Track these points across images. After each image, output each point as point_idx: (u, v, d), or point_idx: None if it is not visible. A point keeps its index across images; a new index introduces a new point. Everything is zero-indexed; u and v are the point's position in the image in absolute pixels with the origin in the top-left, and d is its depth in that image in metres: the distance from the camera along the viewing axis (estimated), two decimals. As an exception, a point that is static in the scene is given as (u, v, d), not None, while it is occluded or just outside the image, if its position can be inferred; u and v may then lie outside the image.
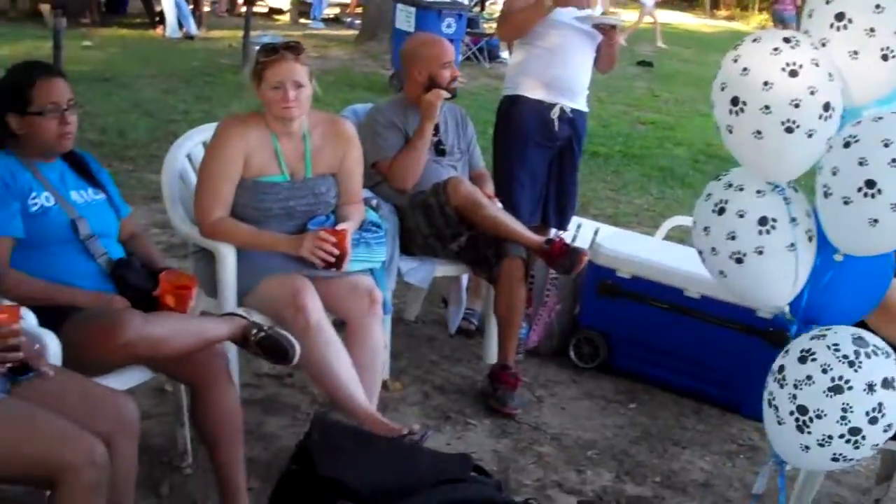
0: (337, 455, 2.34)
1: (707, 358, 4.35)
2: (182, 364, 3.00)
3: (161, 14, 14.29)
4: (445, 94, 4.27)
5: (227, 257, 3.48)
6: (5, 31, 11.85)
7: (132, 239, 3.30)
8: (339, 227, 3.51)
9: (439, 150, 4.38)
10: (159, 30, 14.29)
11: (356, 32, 15.75)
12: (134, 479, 2.65)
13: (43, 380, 2.54)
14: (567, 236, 4.67)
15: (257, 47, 3.65)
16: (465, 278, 4.73)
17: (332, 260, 3.44)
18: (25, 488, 2.93)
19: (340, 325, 3.54)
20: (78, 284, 2.99)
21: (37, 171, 3.04)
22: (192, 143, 3.95)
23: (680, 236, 5.54)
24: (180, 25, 14.24)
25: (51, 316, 2.76)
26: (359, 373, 3.39)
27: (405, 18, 11.42)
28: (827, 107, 2.77)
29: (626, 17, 6.29)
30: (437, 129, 4.34)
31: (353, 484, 2.24)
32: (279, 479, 2.47)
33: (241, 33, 12.15)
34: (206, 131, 3.95)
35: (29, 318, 2.61)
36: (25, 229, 2.95)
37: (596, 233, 4.99)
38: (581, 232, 5.00)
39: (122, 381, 2.90)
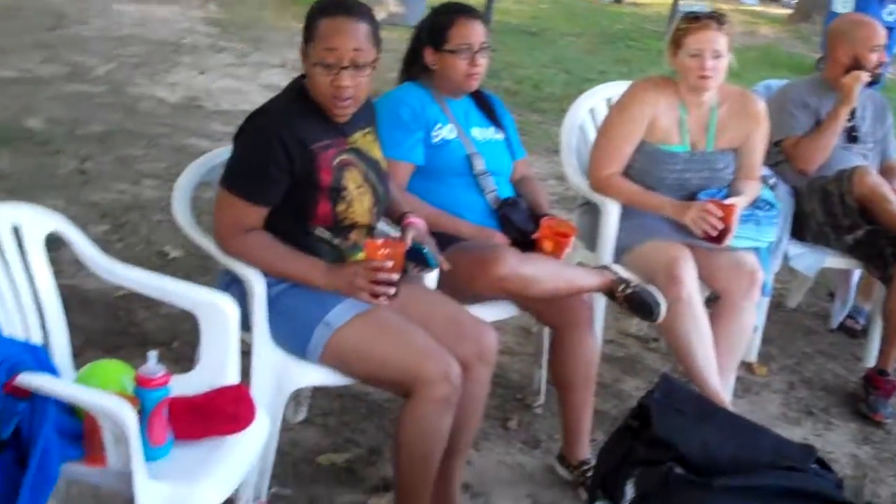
0: (676, 418, 2.32)
1: None
2: (549, 306, 3.09)
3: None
4: (867, 78, 4.03)
5: (612, 213, 3.51)
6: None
7: (522, 181, 3.40)
8: (729, 201, 3.40)
9: (851, 136, 4.13)
10: (591, -10, 14.58)
11: (790, 12, 15.20)
12: (482, 406, 2.78)
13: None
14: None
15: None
16: (856, 274, 4.48)
17: (715, 234, 3.36)
18: (386, 393, 3.19)
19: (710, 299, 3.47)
20: (464, 216, 3.15)
21: (444, 106, 3.22)
22: (597, 98, 4.01)
23: None
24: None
25: (434, 241, 2.90)
26: (720, 351, 3.30)
27: (843, 1, 10.83)
28: None
29: None
30: (852, 114, 4.10)
31: (686, 448, 2.21)
32: (615, 430, 2.49)
33: (670, 0, 12.09)
34: (612, 88, 3.99)
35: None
36: (425, 158, 3.15)
37: None
38: None
39: (489, 312, 3.03)
